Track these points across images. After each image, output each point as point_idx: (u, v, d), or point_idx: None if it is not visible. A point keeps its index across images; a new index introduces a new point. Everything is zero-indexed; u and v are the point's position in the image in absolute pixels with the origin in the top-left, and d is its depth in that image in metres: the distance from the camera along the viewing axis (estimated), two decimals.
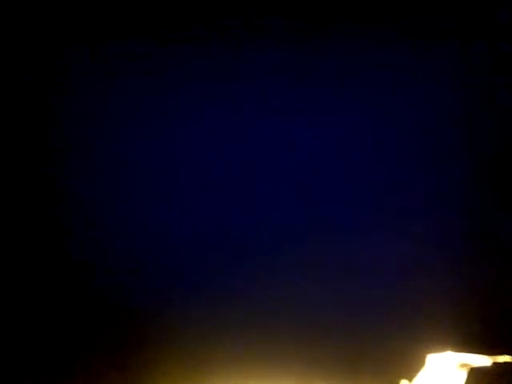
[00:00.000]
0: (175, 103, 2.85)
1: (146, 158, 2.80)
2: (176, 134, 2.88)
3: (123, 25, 2.77)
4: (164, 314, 2.75)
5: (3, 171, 2.81)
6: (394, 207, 2.79)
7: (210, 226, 2.82)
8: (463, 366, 4.84)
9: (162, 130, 2.88)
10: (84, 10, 2.76)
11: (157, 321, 2.73)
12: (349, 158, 2.86)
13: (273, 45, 2.82)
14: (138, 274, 2.79)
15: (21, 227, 2.74)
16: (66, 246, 2.76)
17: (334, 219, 2.81)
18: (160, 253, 2.82)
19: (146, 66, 2.81)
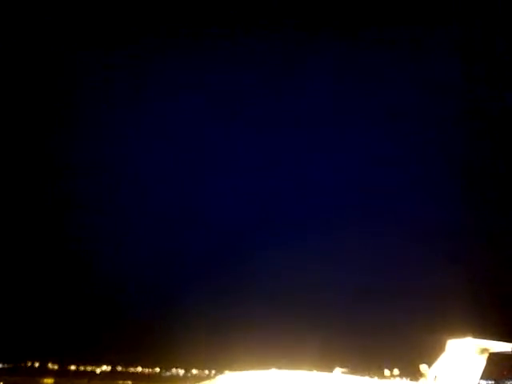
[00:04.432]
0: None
1: (149, 160, 2.86)
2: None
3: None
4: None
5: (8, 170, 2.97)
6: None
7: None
8: (483, 351, 4.99)
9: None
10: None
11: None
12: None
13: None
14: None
15: (25, 228, 2.84)
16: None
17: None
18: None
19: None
